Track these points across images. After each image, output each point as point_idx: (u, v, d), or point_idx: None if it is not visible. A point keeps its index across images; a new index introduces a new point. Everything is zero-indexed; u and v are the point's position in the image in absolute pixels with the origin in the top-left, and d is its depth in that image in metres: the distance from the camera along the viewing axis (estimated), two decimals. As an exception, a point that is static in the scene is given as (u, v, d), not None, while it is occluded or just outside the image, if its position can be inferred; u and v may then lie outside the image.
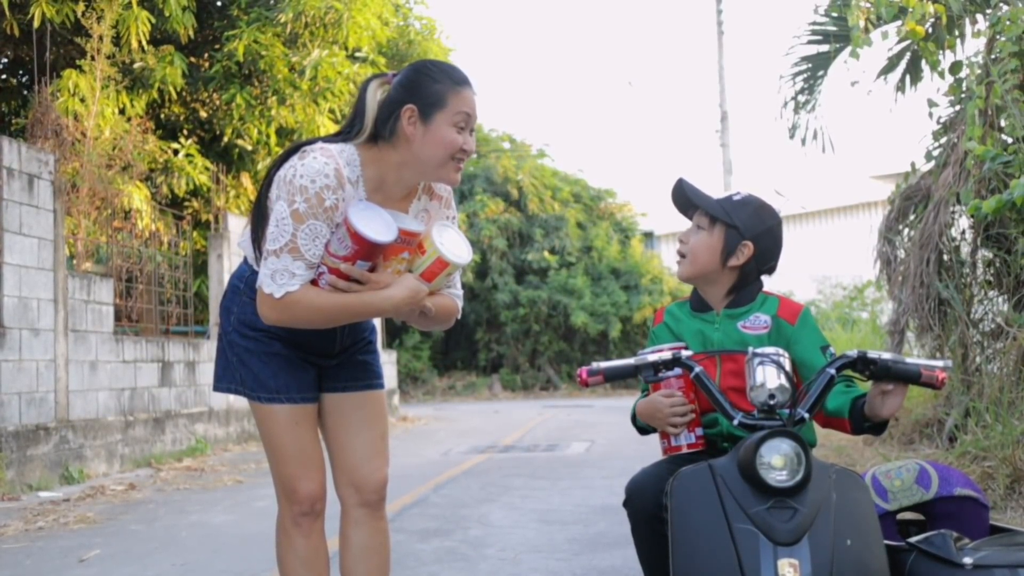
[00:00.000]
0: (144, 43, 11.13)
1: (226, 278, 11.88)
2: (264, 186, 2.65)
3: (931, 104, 7.72)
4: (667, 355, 2.40)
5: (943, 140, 7.92)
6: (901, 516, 2.97)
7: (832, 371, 2.36)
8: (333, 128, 12.66)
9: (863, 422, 2.47)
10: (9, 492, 7.54)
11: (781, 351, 2.30)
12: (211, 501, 7.37)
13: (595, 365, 2.44)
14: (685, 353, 2.41)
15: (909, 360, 2.36)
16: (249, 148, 12.84)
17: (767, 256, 2.78)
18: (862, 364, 2.38)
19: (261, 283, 2.56)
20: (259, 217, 2.65)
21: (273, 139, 12.60)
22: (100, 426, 9.10)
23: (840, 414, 2.51)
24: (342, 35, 12.26)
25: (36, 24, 10.60)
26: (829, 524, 2.09)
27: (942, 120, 7.95)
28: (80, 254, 10.08)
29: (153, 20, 11.04)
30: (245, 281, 2.76)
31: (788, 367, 2.27)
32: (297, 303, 2.53)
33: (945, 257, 7.57)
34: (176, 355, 10.76)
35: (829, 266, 25.12)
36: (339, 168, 2.54)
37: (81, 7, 10.72)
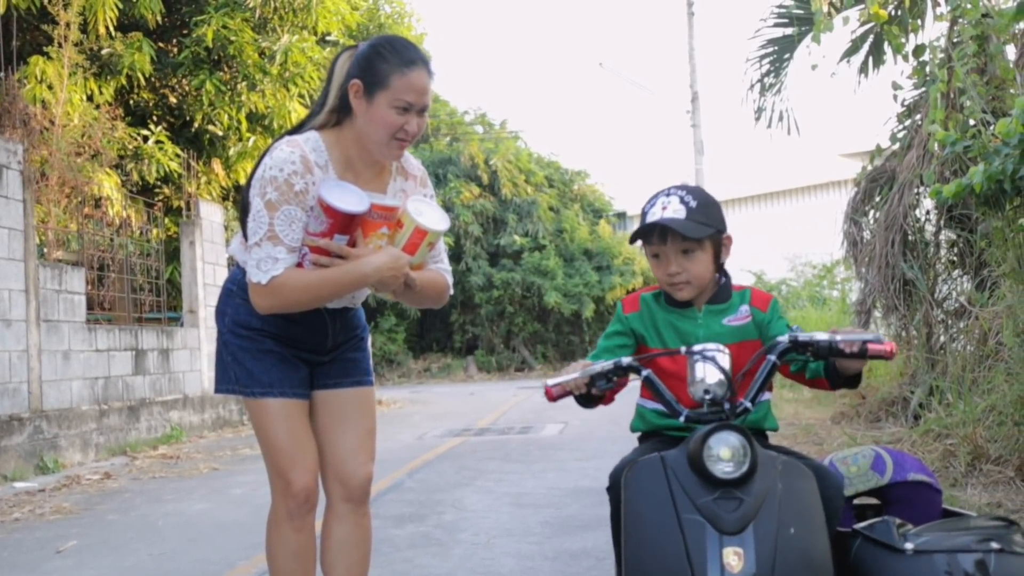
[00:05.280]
0: (112, 29, 11.05)
1: (199, 265, 11.88)
2: (245, 192, 2.74)
3: (895, 87, 7.82)
4: (609, 366, 2.45)
5: (907, 122, 8.05)
6: (859, 501, 3.05)
7: (773, 358, 2.42)
8: (304, 113, 12.62)
9: (838, 379, 2.54)
10: (-16, 483, 7.56)
11: (720, 347, 2.36)
12: (187, 489, 7.41)
13: (553, 382, 2.50)
14: (626, 360, 2.47)
15: (851, 336, 2.37)
16: (220, 134, 12.78)
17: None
18: (800, 347, 2.42)
19: (249, 275, 2.65)
20: (246, 222, 2.72)
21: (244, 125, 12.56)
22: (74, 415, 9.10)
23: (818, 375, 2.59)
24: (311, 20, 12.23)
25: (1, 10, 10.50)
26: (774, 513, 2.15)
27: (906, 103, 8.07)
28: (51, 243, 10.04)
29: (120, 6, 10.95)
30: (238, 283, 2.83)
31: (726, 363, 2.33)
32: (283, 285, 2.62)
33: (910, 238, 7.71)
34: (150, 343, 10.75)
35: (800, 245, 25.34)
36: (305, 155, 2.64)
37: (48, -7, 10.62)
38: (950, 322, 7.60)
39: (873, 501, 3.04)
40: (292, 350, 2.81)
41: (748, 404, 2.37)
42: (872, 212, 8.43)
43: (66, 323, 9.20)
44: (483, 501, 6.25)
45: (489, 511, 5.89)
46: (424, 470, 7.88)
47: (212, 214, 12.62)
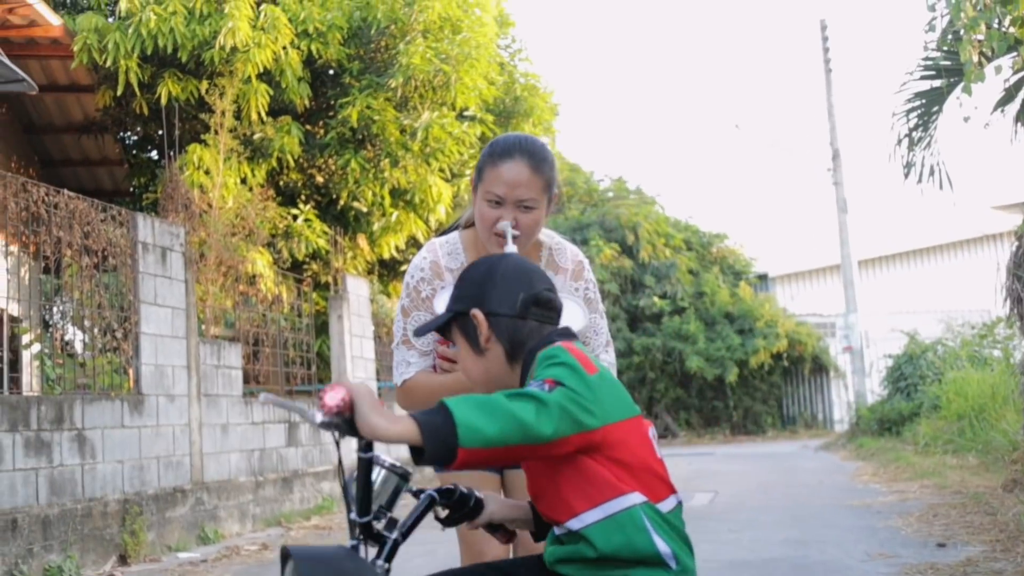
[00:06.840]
0: (263, 114, 11.61)
1: (347, 338, 12.18)
2: None
3: (1056, 135, 7.49)
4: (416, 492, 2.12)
5: (1071, 172, 7.66)
6: None
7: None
8: (445, 187, 12.93)
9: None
10: (150, 554, 7.83)
11: (384, 459, 1.98)
12: (341, 560, 7.49)
13: None
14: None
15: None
16: (364, 210, 13.18)
17: (500, 299, 2.15)
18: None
19: (393, 376, 2.81)
20: None
21: (387, 200, 12.91)
22: (232, 487, 9.39)
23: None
24: (450, 96, 12.54)
25: (163, 102, 11.20)
26: None
27: (1068, 151, 7.70)
28: (208, 320, 10.48)
29: (271, 92, 11.51)
30: None
31: (375, 479, 1.97)
32: (414, 388, 2.74)
33: (1080, 293, 7.30)
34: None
35: (953, 301, 24.33)
36: (436, 260, 2.76)
37: (205, 85, 11.27)
38: None
39: None
40: None
41: (385, 532, 1.97)
42: (1036, 267, 8.02)
43: (224, 397, 9.55)
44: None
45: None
46: (574, 541, 7.77)
47: (358, 288, 12.97)
